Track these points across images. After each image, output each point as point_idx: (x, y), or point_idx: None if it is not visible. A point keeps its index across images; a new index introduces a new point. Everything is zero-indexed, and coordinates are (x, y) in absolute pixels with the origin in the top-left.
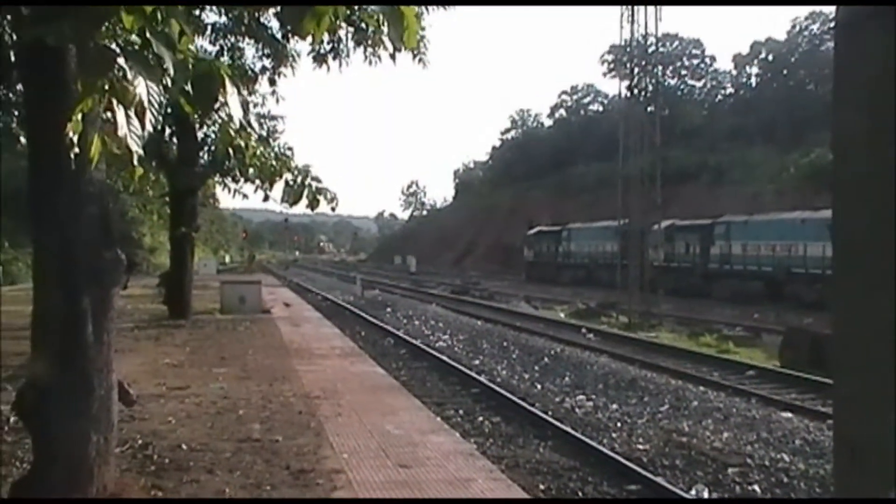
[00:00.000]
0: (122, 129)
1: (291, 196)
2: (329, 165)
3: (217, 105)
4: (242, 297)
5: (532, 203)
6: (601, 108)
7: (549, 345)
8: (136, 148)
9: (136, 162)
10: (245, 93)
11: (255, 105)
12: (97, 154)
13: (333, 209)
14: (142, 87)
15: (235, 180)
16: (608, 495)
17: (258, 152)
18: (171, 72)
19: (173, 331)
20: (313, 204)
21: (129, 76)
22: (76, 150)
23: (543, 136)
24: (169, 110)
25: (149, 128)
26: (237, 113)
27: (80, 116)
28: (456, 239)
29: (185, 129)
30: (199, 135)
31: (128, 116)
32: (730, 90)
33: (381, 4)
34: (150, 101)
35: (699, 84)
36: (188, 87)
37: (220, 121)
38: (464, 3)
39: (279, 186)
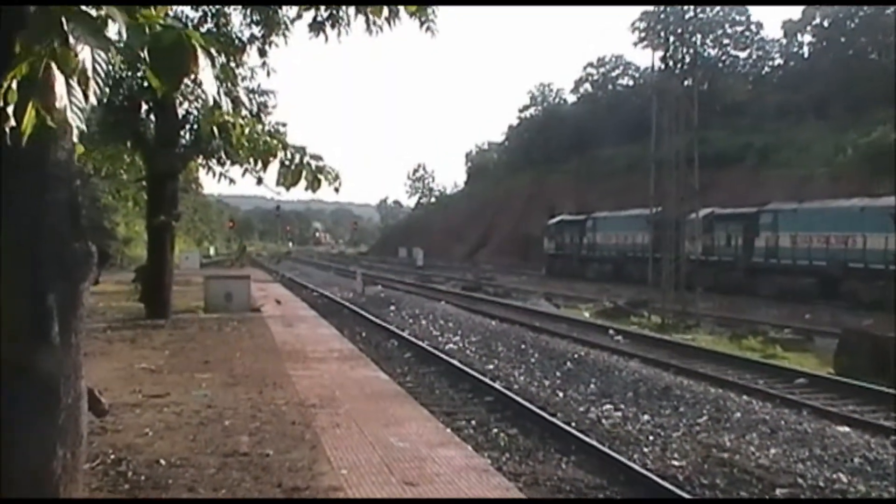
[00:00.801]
0: (62, 101)
1: (288, 177)
2: (326, 148)
3: (188, 79)
4: (229, 293)
5: (553, 189)
6: (631, 83)
7: (573, 348)
8: (79, 123)
9: (76, 138)
10: (233, 64)
11: (244, 78)
12: (29, 127)
13: (337, 190)
14: (85, 54)
15: (221, 163)
16: None
17: (248, 130)
18: (124, 37)
19: (151, 332)
20: (314, 185)
21: (72, 40)
22: (12, 122)
23: (566, 114)
24: (145, 84)
25: (93, 100)
26: (210, 89)
27: (14, 84)
28: (468, 229)
29: (163, 104)
30: (181, 111)
31: (69, 86)
32: (778, 61)
33: (362, 4)
34: (95, 70)
35: (743, 55)
36: (145, 55)
37: (202, 96)
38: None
39: (273, 167)
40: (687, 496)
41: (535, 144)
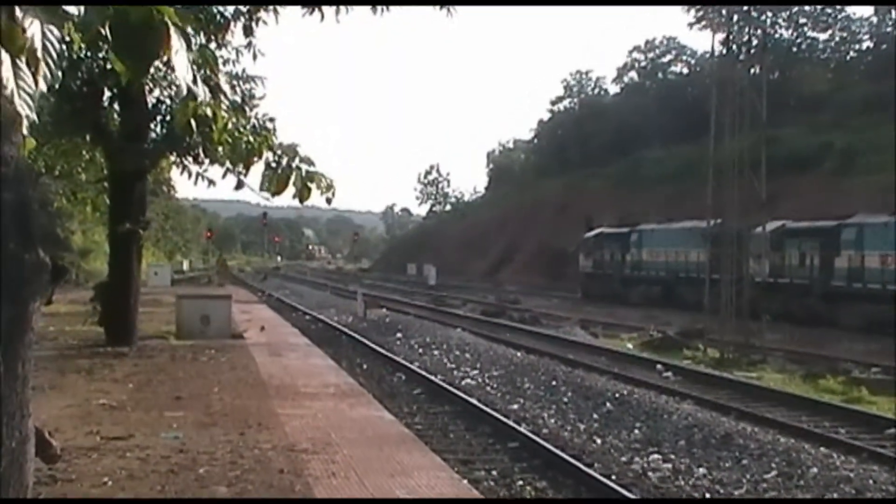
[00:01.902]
0: (8, 85)
1: (274, 183)
2: (323, 147)
3: (159, 63)
4: (206, 316)
5: (591, 196)
6: (686, 71)
7: (613, 385)
8: (28, 111)
9: (26, 130)
10: (213, 45)
11: (226, 62)
12: None
13: (329, 201)
14: (35, 30)
15: (198, 161)
16: None
17: (230, 124)
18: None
19: (112, 361)
20: (303, 194)
21: (18, 14)
22: None
23: (607, 108)
24: (108, 67)
25: (42, 86)
26: (185, 75)
27: None
28: (489, 242)
29: (129, 91)
30: (150, 99)
31: (16, 68)
32: (867, 44)
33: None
34: (46, 50)
35: (823, 36)
36: (107, 34)
37: (176, 82)
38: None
39: (257, 170)
40: None
41: (569, 143)
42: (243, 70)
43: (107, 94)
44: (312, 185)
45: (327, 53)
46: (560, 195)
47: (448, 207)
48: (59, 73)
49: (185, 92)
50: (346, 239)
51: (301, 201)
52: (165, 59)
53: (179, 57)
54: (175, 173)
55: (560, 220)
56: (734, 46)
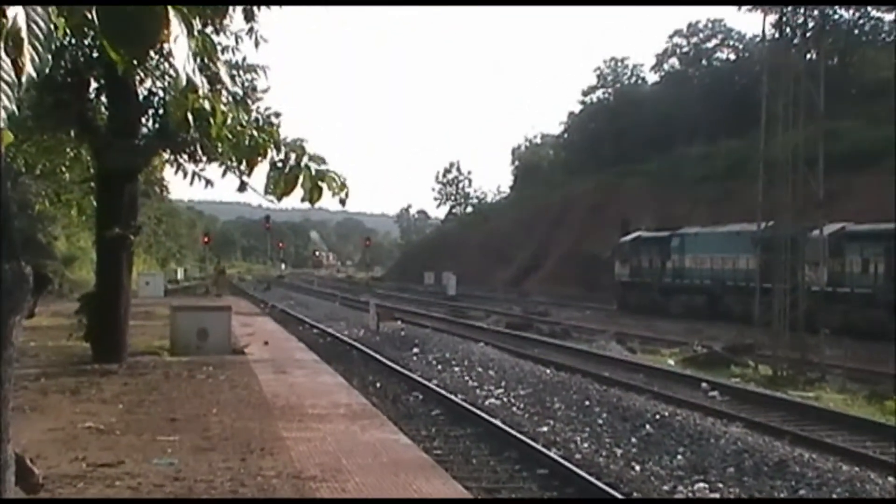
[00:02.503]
0: None
1: (280, 184)
2: (330, 143)
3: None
4: (203, 330)
5: (627, 196)
6: (734, 57)
7: (653, 406)
8: (7, 103)
9: (4, 123)
10: (210, 30)
11: (225, 49)
12: None
13: (343, 202)
14: (17, 10)
15: (195, 159)
16: None
17: (230, 118)
18: None
19: (100, 380)
20: (313, 196)
21: None
22: None
23: (646, 99)
24: (95, 54)
25: (31, 71)
26: (184, 64)
27: None
28: (514, 248)
29: (119, 81)
30: (142, 90)
31: None
32: None
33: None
34: (32, 37)
35: (889, 17)
36: (96, 16)
37: (171, 72)
38: None
39: (261, 169)
40: None
41: (603, 138)
42: (244, 59)
43: (93, 84)
44: (324, 186)
45: (335, 43)
46: (593, 195)
47: (469, 209)
48: (49, 59)
49: (184, 83)
50: (357, 244)
51: (311, 203)
52: (163, 46)
53: (179, 43)
54: (169, 172)
55: (593, 223)
56: (788, 29)
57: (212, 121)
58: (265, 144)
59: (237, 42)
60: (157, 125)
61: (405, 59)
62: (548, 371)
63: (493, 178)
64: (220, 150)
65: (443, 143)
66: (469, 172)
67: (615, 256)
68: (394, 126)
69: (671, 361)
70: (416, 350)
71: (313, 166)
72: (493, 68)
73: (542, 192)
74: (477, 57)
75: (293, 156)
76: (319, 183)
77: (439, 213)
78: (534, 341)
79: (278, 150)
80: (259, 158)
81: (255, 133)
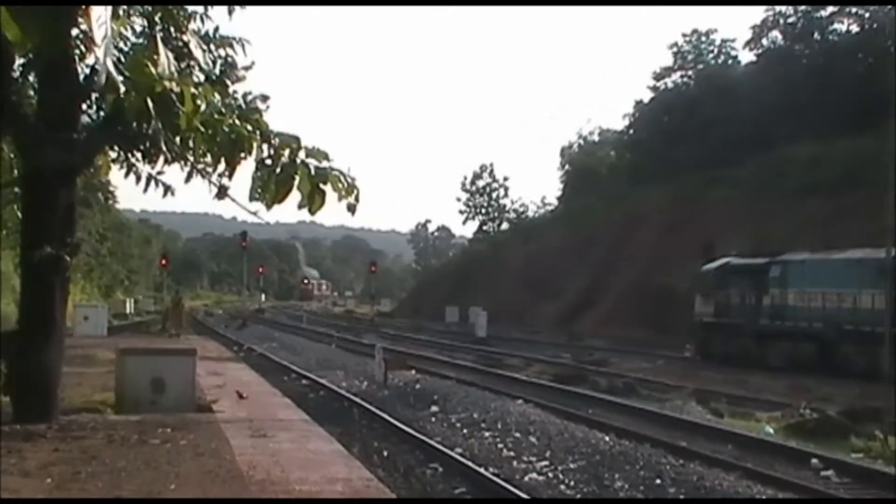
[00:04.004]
0: None
1: (270, 187)
2: (329, 143)
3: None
4: (159, 379)
5: (712, 211)
6: (855, 29)
7: (747, 488)
8: None
9: None
10: None
11: (192, 17)
12: None
13: (352, 210)
14: None
15: (152, 158)
16: None
17: (205, 105)
18: None
19: (22, 445)
20: (312, 202)
21: None
22: None
23: (737, 83)
24: None
25: None
26: (104, 58)
27: None
28: (564, 276)
29: (53, 62)
30: (82, 68)
31: None
32: None
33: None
34: None
35: None
36: None
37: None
38: None
39: (246, 169)
40: None
41: (680, 134)
42: (216, 29)
43: (19, 61)
44: (327, 188)
45: (334, 33)
46: (667, 210)
47: (505, 226)
48: None
49: (103, 80)
50: (360, 270)
51: (311, 212)
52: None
53: (99, 27)
54: (117, 175)
55: (666, 246)
56: None
57: (179, 108)
58: (250, 137)
59: (206, 8)
60: (102, 114)
61: (419, 41)
62: (606, 438)
63: (536, 187)
64: (190, 145)
65: (470, 141)
66: (505, 179)
67: (695, 290)
68: (408, 121)
69: (770, 429)
70: (434, 408)
71: (312, 164)
72: (536, 44)
73: (600, 206)
74: (514, 29)
75: (286, 151)
76: (321, 185)
77: (466, 230)
78: (588, 399)
79: (267, 144)
80: (242, 155)
81: (236, 122)
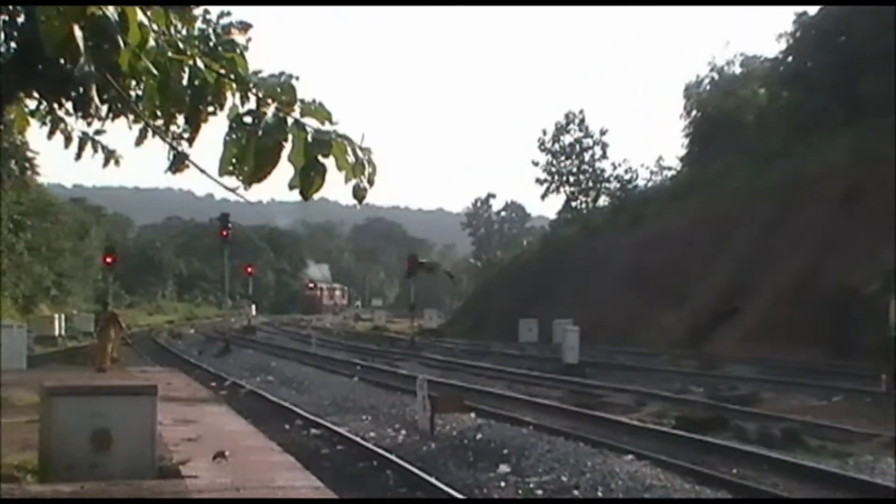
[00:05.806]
0: None
1: (248, 158)
2: (353, 103)
3: None
4: (103, 431)
5: None
6: None
7: None
8: None
9: None
10: None
11: None
12: None
13: (359, 197)
14: None
15: (85, 111)
16: None
17: (156, 38)
18: None
19: None
20: (307, 180)
21: None
22: None
23: None
24: None
25: None
26: None
27: None
28: (691, 273)
29: None
30: None
31: None
32: None
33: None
34: None
35: None
36: None
37: None
38: None
39: (215, 129)
40: None
41: (866, 62)
42: None
43: None
44: (329, 162)
45: None
46: (844, 171)
47: (604, 200)
48: None
49: None
50: (394, 269)
51: (304, 196)
52: None
53: None
54: (38, 136)
55: (846, 227)
56: None
57: (120, 40)
58: (221, 84)
59: None
60: (15, 49)
61: None
62: None
63: (647, 144)
64: (138, 93)
65: (550, 83)
66: (602, 133)
67: (892, 291)
68: (461, 59)
69: None
70: (504, 468)
71: (310, 125)
72: None
73: (746, 169)
74: None
75: (272, 106)
76: (321, 157)
77: (546, 208)
78: (730, 452)
79: (244, 96)
80: (210, 110)
81: (200, 63)
